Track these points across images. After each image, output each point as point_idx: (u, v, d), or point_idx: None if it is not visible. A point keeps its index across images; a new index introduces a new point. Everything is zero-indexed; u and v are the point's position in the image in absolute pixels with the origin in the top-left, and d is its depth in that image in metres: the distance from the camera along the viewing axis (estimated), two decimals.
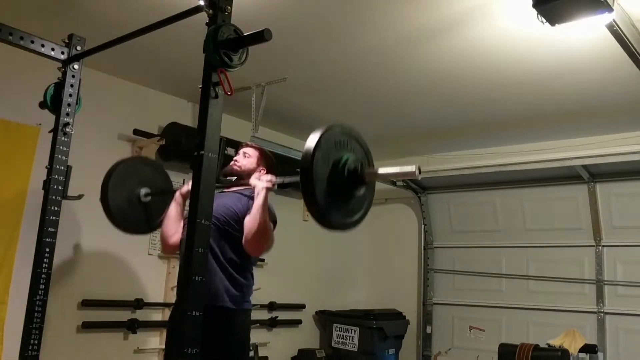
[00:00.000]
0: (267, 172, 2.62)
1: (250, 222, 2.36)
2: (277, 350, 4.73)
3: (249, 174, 2.63)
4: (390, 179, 2.03)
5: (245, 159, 2.68)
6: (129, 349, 3.69)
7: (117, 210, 2.79)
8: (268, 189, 2.40)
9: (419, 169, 1.87)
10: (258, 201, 2.37)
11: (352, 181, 1.91)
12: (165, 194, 2.86)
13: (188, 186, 2.60)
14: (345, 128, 1.98)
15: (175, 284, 3.90)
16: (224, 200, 2.50)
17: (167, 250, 2.77)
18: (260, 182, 2.42)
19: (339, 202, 1.91)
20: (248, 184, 2.54)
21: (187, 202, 1.97)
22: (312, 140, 1.84)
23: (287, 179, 2.38)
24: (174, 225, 2.63)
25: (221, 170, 2.65)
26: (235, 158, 2.70)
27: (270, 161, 2.75)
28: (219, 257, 2.41)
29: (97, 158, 3.66)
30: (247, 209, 2.44)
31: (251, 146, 2.75)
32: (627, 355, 4.22)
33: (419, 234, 5.53)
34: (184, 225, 2.43)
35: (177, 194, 2.71)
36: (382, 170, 1.98)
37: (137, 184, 2.86)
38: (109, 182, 2.77)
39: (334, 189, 1.87)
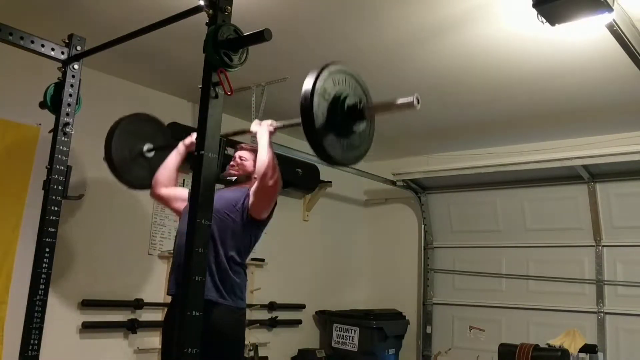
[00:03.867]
0: None
1: (259, 162, 2.43)
2: (277, 350, 4.73)
3: (247, 176, 2.66)
4: (388, 110, 2.03)
5: (242, 162, 2.70)
6: (129, 349, 3.69)
7: (122, 166, 2.83)
8: (271, 133, 2.47)
9: (418, 99, 1.90)
10: (262, 142, 2.45)
11: (352, 116, 1.96)
12: (167, 148, 2.88)
13: (192, 138, 2.67)
14: (343, 66, 2.01)
15: None
16: (222, 194, 2.52)
17: (152, 194, 2.79)
18: (262, 127, 2.50)
19: (340, 138, 1.95)
20: (247, 186, 2.58)
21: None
22: (310, 78, 1.87)
23: (287, 122, 2.41)
24: (167, 173, 2.71)
25: (220, 175, 2.66)
26: (231, 163, 2.72)
27: None
28: (217, 250, 2.41)
29: (97, 158, 3.68)
30: (246, 196, 2.49)
31: (246, 148, 2.76)
32: (627, 355, 4.22)
33: (419, 234, 5.53)
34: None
35: (180, 144, 2.76)
36: (380, 102, 2.03)
37: (139, 139, 2.91)
38: (112, 139, 2.81)
39: (335, 125, 1.92)
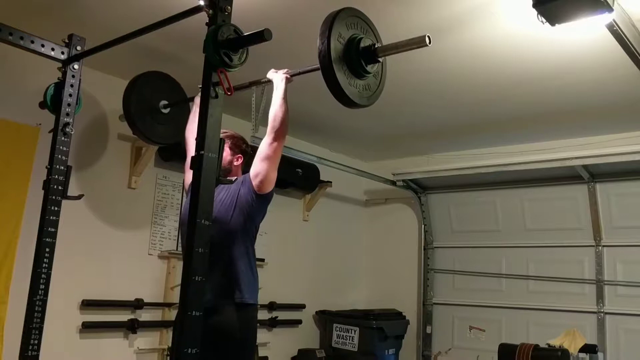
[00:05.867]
0: (242, 156, 2.67)
1: (273, 113, 2.41)
2: (277, 350, 4.73)
3: (227, 168, 2.63)
4: (401, 49, 2.10)
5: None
6: (129, 349, 3.69)
7: (141, 122, 2.97)
8: (287, 80, 2.46)
9: (429, 38, 1.99)
10: (279, 92, 2.43)
11: (366, 58, 2.06)
12: (183, 103, 3.04)
13: None
14: (355, 10, 2.13)
15: (175, 283, 3.91)
16: (216, 196, 2.50)
17: (186, 145, 2.78)
18: (278, 74, 2.48)
19: (355, 79, 2.06)
20: (233, 179, 2.56)
21: None
22: (326, 23, 1.97)
23: (304, 69, 2.41)
24: (193, 127, 2.67)
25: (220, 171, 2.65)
26: None
27: (244, 144, 2.74)
28: (222, 251, 2.41)
29: (97, 158, 3.69)
30: (242, 183, 2.49)
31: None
32: (627, 355, 4.22)
33: (419, 234, 5.53)
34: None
35: (197, 98, 2.75)
36: (391, 43, 2.12)
37: (155, 96, 3.04)
38: (130, 96, 2.95)
39: (351, 66, 2.03)
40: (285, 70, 2.49)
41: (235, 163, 2.68)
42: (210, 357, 2.13)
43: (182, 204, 3.92)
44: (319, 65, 1.98)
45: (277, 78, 2.47)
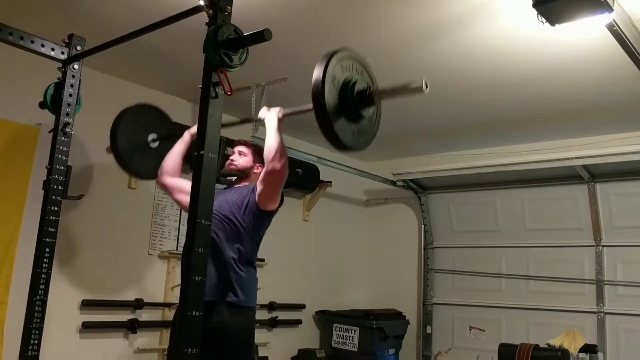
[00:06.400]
0: (262, 166, 2.65)
1: (267, 146, 2.42)
2: (277, 350, 4.73)
3: (246, 172, 2.68)
4: (397, 95, 2.06)
5: (241, 157, 2.71)
6: (129, 349, 3.69)
7: (128, 157, 2.86)
8: (279, 120, 2.46)
9: (426, 83, 1.93)
10: (271, 128, 2.43)
11: (361, 101, 2.00)
12: (172, 137, 2.90)
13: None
14: (350, 52, 2.07)
15: (175, 284, 3.91)
16: (226, 196, 2.52)
17: (158, 182, 2.82)
18: (270, 112, 2.49)
19: (350, 123, 2.00)
20: (247, 182, 2.61)
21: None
22: (320, 66, 1.91)
23: (296, 109, 2.40)
24: (173, 162, 2.74)
25: (219, 171, 2.67)
26: (231, 157, 2.72)
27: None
28: (222, 252, 2.42)
29: (97, 158, 3.68)
30: (252, 191, 2.51)
31: (244, 144, 2.77)
32: (627, 355, 4.22)
33: (419, 234, 5.52)
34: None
35: (186, 133, 2.78)
36: (389, 87, 2.06)
37: (144, 130, 2.93)
38: (117, 129, 2.84)
39: (345, 111, 1.97)
40: (279, 109, 2.49)
41: (255, 171, 2.71)
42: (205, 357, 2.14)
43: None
44: (312, 107, 1.94)
45: (270, 115, 2.48)
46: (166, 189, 2.80)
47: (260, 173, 2.67)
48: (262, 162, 2.70)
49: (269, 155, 2.41)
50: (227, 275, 2.41)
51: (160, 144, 2.94)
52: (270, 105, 2.61)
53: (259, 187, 2.48)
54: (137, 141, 2.90)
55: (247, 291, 2.46)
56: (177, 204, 2.85)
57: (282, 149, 2.42)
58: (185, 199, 2.67)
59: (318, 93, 1.86)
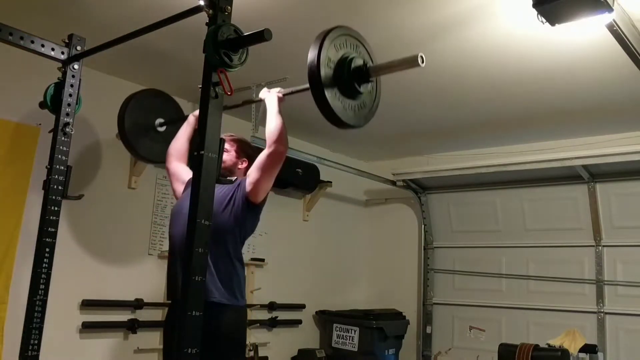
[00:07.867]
0: (248, 162, 2.65)
1: (269, 128, 2.40)
2: (277, 350, 4.73)
3: (231, 169, 2.65)
4: (394, 69, 2.06)
5: (225, 154, 2.63)
6: (129, 349, 3.69)
7: (135, 141, 2.95)
8: (279, 99, 2.45)
9: (422, 58, 1.91)
10: (272, 109, 2.42)
11: (359, 78, 2.01)
12: (178, 121, 2.97)
13: None
14: (343, 29, 2.06)
15: None
16: None
17: (166, 165, 2.83)
18: (270, 94, 2.48)
19: (349, 100, 2.01)
20: (233, 179, 2.59)
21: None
22: (314, 49, 1.93)
23: (295, 89, 2.39)
24: (179, 144, 2.77)
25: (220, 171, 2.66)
26: None
27: (250, 149, 2.76)
28: (212, 251, 2.40)
29: (97, 158, 3.68)
30: (238, 186, 2.49)
31: (227, 139, 2.69)
32: (627, 355, 4.22)
33: (419, 234, 5.53)
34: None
35: (191, 116, 2.81)
36: (385, 62, 2.05)
37: (151, 114, 3.01)
38: (125, 114, 2.93)
39: (343, 89, 1.98)
40: (279, 89, 2.49)
41: (239, 166, 2.69)
42: None
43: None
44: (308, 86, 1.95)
45: (270, 97, 2.47)
46: (169, 175, 2.80)
47: (244, 168, 2.66)
48: (247, 157, 2.70)
49: (271, 137, 2.39)
50: (209, 275, 2.39)
51: (167, 128, 3.01)
52: None
53: (253, 176, 2.44)
54: (145, 125, 2.98)
55: (231, 290, 2.41)
56: (173, 193, 2.81)
57: (284, 131, 2.41)
58: (179, 188, 2.68)
59: (314, 77, 1.89)
